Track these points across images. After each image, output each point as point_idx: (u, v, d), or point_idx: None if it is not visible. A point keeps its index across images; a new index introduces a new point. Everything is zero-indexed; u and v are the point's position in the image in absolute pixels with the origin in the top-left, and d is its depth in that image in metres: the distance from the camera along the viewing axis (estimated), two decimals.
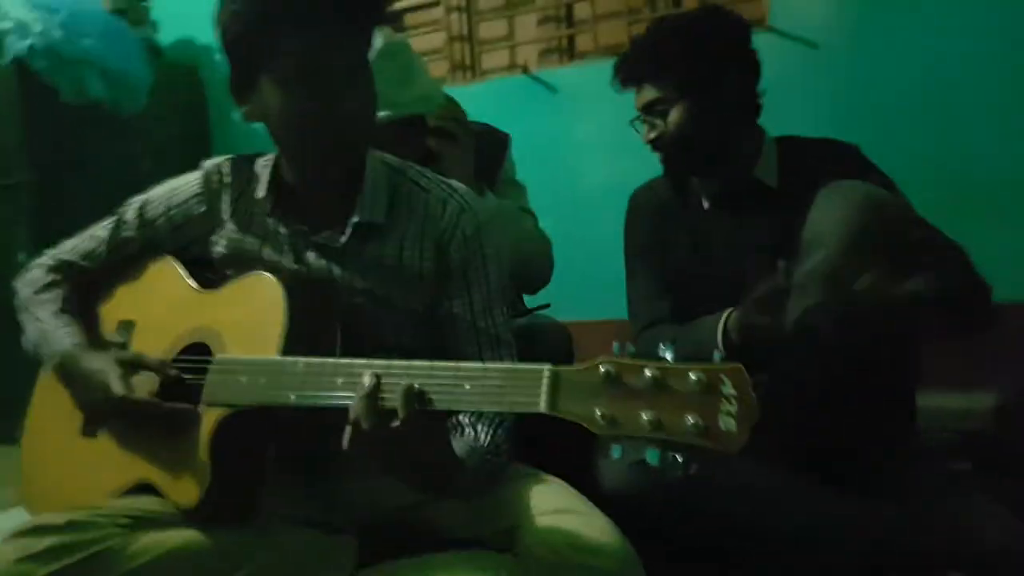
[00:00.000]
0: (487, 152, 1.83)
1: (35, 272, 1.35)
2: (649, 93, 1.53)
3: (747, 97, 1.55)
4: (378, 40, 1.63)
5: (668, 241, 1.60)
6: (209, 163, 1.30)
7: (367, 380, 0.96)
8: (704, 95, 1.50)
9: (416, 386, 0.94)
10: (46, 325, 1.28)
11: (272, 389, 1.07)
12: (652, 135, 1.54)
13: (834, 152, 1.54)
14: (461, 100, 1.88)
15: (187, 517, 1.13)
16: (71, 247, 1.36)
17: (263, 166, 1.26)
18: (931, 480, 1.43)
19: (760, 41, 1.60)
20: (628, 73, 1.56)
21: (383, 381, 0.98)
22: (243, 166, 1.28)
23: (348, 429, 0.95)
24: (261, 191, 1.23)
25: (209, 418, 1.12)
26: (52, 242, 1.37)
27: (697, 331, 1.42)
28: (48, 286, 1.32)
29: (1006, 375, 1.90)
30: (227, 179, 1.27)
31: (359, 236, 1.21)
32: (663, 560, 1.24)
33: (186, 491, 1.12)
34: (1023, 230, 2.16)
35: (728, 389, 0.73)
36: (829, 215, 1.33)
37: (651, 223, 1.63)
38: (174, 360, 1.21)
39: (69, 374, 1.22)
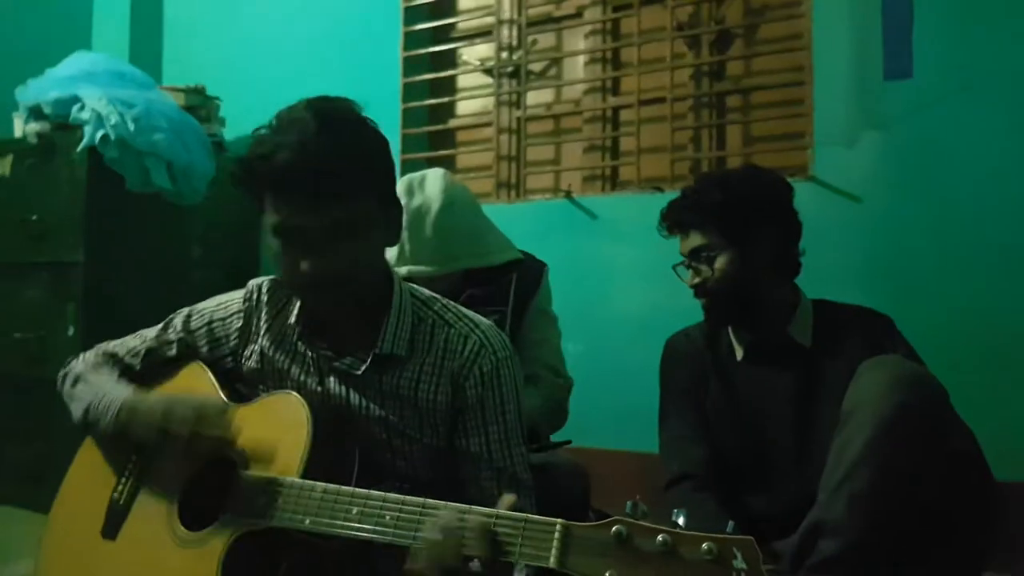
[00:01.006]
0: (523, 280, 1.89)
1: (87, 355, 1.41)
2: (695, 240, 1.60)
3: (786, 254, 1.61)
4: (440, 186, 1.76)
5: (702, 388, 1.63)
6: (253, 282, 1.37)
7: (446, 518, 0.94)
8: (747, 247, 1.56)
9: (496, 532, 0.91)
10: (106, 385, 1.31)
11: (287, 512, 1.08)
12: (696, 280, 1.60)
13: (868, 320, 1.58)
14: (505, 218, 1.95)
15: None
16: (119, 342, 1.41)
17: None
18: None
19: (801, 191, 1.67)
20: (675, 219, 1.63)
21: (390, 516, 0.99)
22: (282, 287, 1.33)
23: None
24: (292, 316, 1.28)
25: (223, 532, 1.14)
26: (102, 318, 1.43)
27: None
28: (100, 366, 1.37)
29: None
30: (264, 298, 1.33)
31: (379, 365, 1.24)
32: None
33: None
34: None
35: (739, 563, 0.73)
36: (870, 388, 1.34)
37: (687, 368, 1.67)
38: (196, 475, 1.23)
39: (134, 410, 1.24)
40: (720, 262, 1.57)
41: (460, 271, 1.79)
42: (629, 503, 0.82)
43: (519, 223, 1.88)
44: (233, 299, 1.36)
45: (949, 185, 2.24)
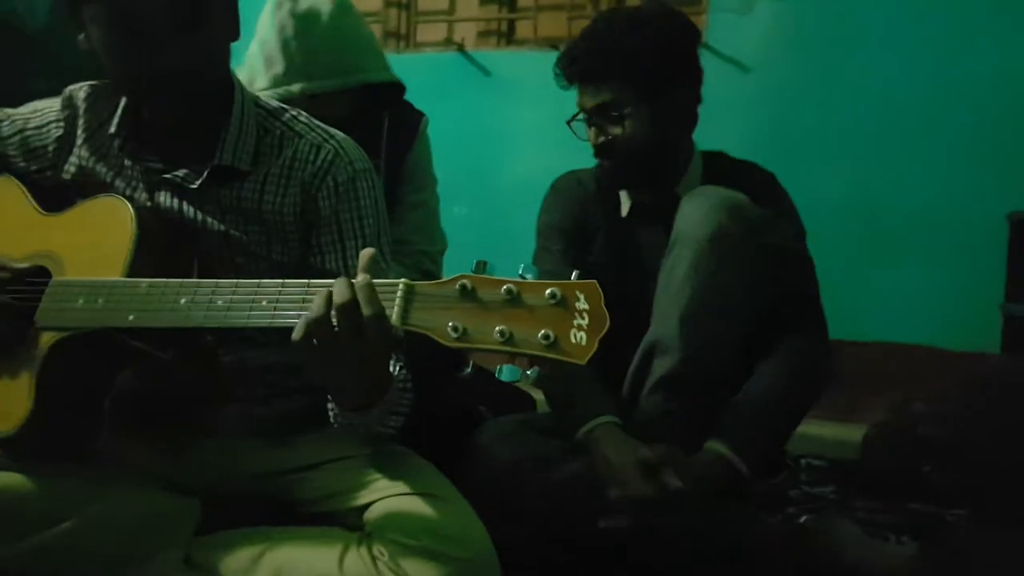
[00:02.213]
0: (397, 127, 1.69)
1: None
2: (601, 95, 1.42)
3: (692, 108, 1.51)
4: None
5: (586, 236, 1.54)
6: (71, 88, 1.21)
7: (360, 278, 0.85)
8: (660, 102, 1.42)
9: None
10: None
11: (110, 310, 0.99)
12: (602, 139, 1.44)
13: (752, 175, 1.53)
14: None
15: (4, 447, 1.05)
16: None
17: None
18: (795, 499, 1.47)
19: None
20: (578, 69, 1.44)
21: (222, 301, 0.92)
22: (105, 94, 1.19)
23: (303, 325, 0.86)
24: (113, 125, 1.15)
25: (42, 341, 1.04)
26: None
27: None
28: None
29: (871, 410, 1.96)
30: (83, 105, 1.19)
31: (217, 178, 1.13)
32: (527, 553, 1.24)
33: (5, 417, 1.03)
34: (899, 273, 2.23)
35: (581, 304, 0.72)
36: (691, 217, 1.34)
37: (573, 211, 1.56)
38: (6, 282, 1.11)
39: None
40: (631, 120, 1.42)
41: (360, 87, 1.57)
42: (475, 261, 0.78)
43: (407, 77, 1.69)
44: (50, 106, 1.21)
45: (841, 57, 2.26)
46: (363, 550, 1.01)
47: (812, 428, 2.02)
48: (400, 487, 1.07)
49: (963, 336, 2.17)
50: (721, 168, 1.55)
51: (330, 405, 1.05)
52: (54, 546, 1.04)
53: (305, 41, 1.53)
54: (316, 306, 0.86)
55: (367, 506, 1.07)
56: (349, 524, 1.08)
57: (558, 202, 1.59)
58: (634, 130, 1.42)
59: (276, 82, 1.53)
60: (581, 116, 1.47)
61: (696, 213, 1.33)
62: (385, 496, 1.06)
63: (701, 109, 1.51)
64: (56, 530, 1.04)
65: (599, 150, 1.46)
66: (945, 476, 1.66)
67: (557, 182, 1.63)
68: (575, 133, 1.48)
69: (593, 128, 1.46)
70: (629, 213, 1.54)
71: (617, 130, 1.43)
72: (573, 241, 1.54)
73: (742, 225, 1.32)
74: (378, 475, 1.09)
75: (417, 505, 1.04)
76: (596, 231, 1.55)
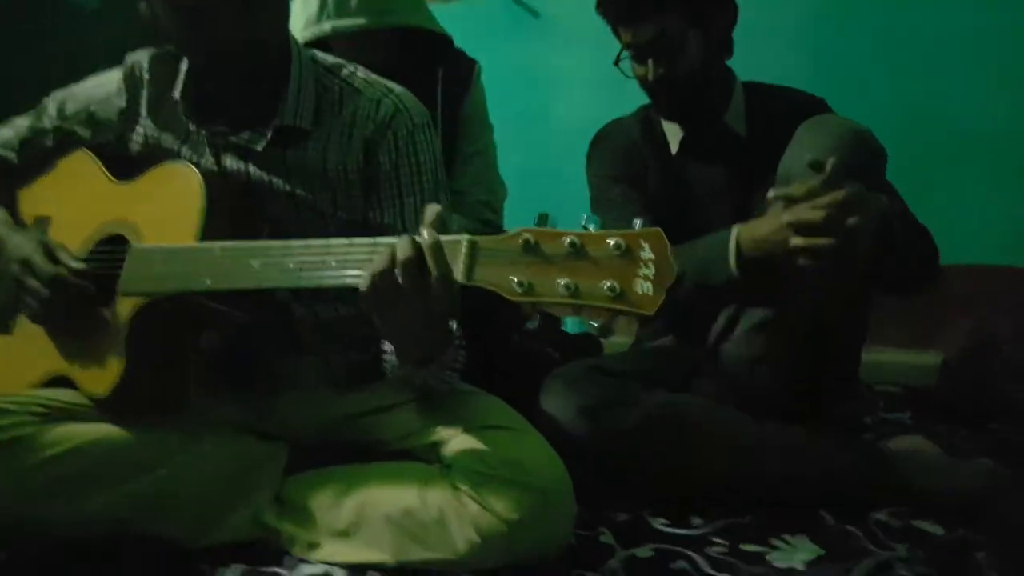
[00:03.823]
0: (452, 78, 1.66)
1: None
2: (650, 28, 1.40)
3: (731, 33, 1.48)
4: None
5: (639, 178, 1.52)
6: (132, 57, 1.23)
7: (426, 235, 0.86)
8: (707, 27, 1.41)
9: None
10: None
11: (187, 275, 1.03)
12: (660, 71, 1.43)
13: (802, 103, 1.48)
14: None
15: (100, 408, 1.11)
16: None
17: (185, 63, 1.18)
18: (872, 423, 1.44)
19: None
20: (625, 7, 1.42)
21: (293, 263, 0.94)
22: (166, 61, 1.21)
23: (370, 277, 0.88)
24: (177, 92, 1.16)
25: (124, 307, 1.08)
26: None
27: (703, 249, 1.29)
28: None
29: (951, 336, 1.91)
30: (147, 75, 1.21)
31: (282, 139, 1.14)
32: (605, 487, 1.26)
33: (99, 381, 1.09)
34: (972, 194, 2.15)
35: (646, 253, 0.71)
36: (808, 147, 1.27)
37: (622, 159, 1.55)
38: (90, 252, 1.16)
39: None
40: (689, 47, 1.40)
41: (393, 29, 1.53)
42: (537, 215, 0.77)
43: (454, 23, 1.65)
44: (111, 78, 1.23)
45: None
46: (444, 482, 1.05)
47: (887, 356, 2.00)
48: (475, 422, 1.10)
49: None
50: (765, 96, 1.51)
51: (385, 356, 1.08)
52: (150, 492, 1.10)
53: None
54: (380, 261, 0.88)
55: (443, 442, 1.10)
56: (427, 460, 1.11)
57: (605, 151, 1.58)
58: (692, 57, 1.40)
59: (309, 23, 1.53)
60: (626, 54, 1.45)
61: (817, 143, 1.26)
62: (461, 432, 1.09)
63: (747, 37, 1.48)
64: (151, 476, 1.10)
65: (658, 83, 1.43)
66: None
67: (600, 132, 1.61)
68: (623, 72, 1.46)
69: (649, 62, 1.43)
70: (680, 150, 1.52)
71: (674, 60, 1.41)
72: (632, 184, 1.52)
73: (867, 159, 1.26)
74: (452, 412, 1.12)
75: (492, 438, 1.07)
76: (648, 173, 1.54)
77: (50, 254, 1.10)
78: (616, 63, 1.46)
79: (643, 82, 1.46)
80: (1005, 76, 2.15)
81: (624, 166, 1.54)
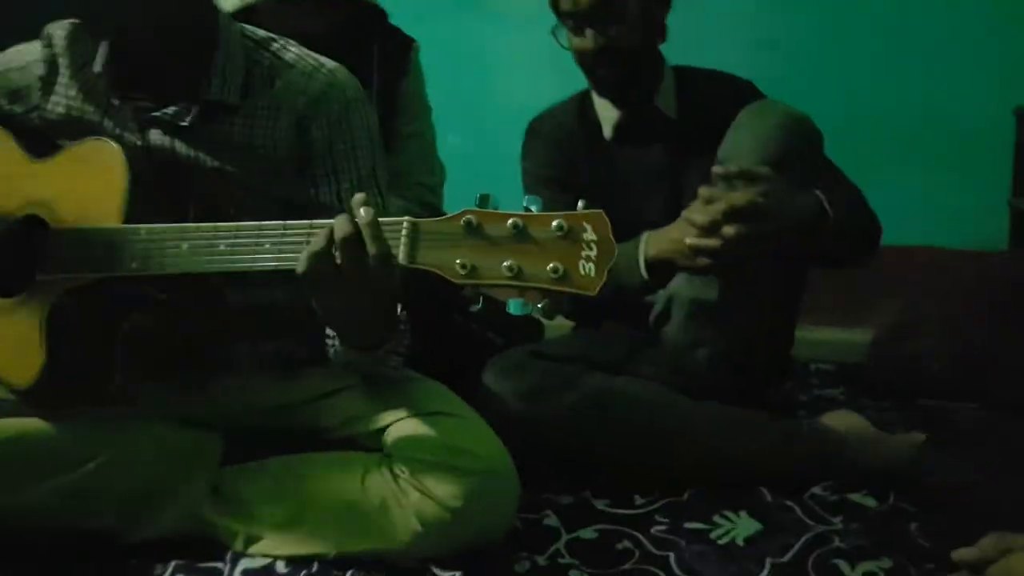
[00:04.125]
0: (388, 54, 1.62)
1: None
2: None
3: (664, 17, 1.48)
4: None
5: (572, 171, 1.52)
6: (50, 26, 1.16)
7: (363, 212, 0.83)
8: (650, 2, 1.42)
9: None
10: None
11: (111, 258, 0.98)
12: (594, 43, 1.41)
13: (730, 86, 1.50)
14: None
15: (23, 400, 1.06)
16: None
17: None
18: (805, 400, 1.47)
19: None
20: None
21: (224, 245, 0.91)
22: (87, 30, 1.14)
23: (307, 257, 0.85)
24: (98, 64, 1.11)
25: (46, 294, 1.03)
26: None
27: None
28: None
29: (881, 314, 1.97)
30: (65, 43, 1.14)
31: (208, 114, 1.10)
32: (548, 469, 1.26)
33: (21, 371, 1.04)
34: (903, 176, 2.20)
35: (589, 234, 0.71)
36: (750, 132, 1.30)
37: (555, 152, 1.55)
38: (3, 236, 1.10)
39: None
40: (633, 13, 1.39)
41: (330, 3, 1.49)
42: (478, 195, 0.76)
43: (388, 1, 1.60)
44: (32, 48, 1.17)
45: None
46: (384, 470, 1.04)
47: (820, 333, 2.04)
48: (415, 408, 1.08)
49: (971, 234, 2.14)
50: (694, 79, 1.52)
51: (328, 341, 1.05)
52: (80, 486, 1.06)
53: None
54: (318, 241, 0.86)
55: (384, 429, 1.08)
56: (368, 448, 1.10)
57: (538, 147, 1.57)
58: (632, 27, 1.40)
59: None
60: (568, 21, 1.43)
61: (755, 129, 1.30)
62: (401, 418, 1.08)
63: (691, 23, 1.51)
64: (80, 471, 1.06)
65: (598, 54, 1.42)
66: (953, 372, 1.69)
67: (533, 123, 1.61)
68: (558, 41, 1.45)
69: (588, 31, 1.41)
70: (613, 136, 1.52)
71: (615, 29, 1.40)
72: (564, 184, 1.51)
73: (804, 143, 1.30)
74: (393, 399, 1.10)
75: (433, 423, 1.06)
76: (583, 163, 1.53)
77: None
78: (553, 32, 1.45)
79: (581, 55, 1.45)
80: (934, 60, 2.22)
81: (558, 160, 1.54)
